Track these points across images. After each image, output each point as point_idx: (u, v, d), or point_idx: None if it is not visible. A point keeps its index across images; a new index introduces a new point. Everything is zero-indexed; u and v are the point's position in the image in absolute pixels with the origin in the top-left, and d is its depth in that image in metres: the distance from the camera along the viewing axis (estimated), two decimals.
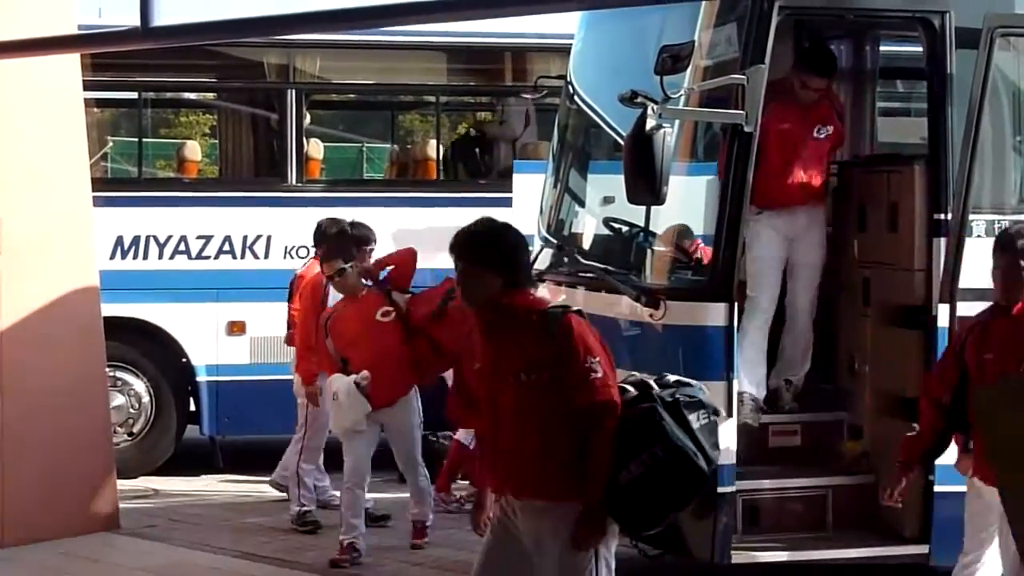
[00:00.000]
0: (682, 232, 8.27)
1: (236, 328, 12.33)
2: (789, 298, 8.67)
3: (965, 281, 7.84)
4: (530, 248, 6.02)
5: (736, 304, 7.82)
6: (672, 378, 6.09)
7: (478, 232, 5.90)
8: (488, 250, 5.81)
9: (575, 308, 5.90)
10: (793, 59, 8.82)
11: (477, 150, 14.07)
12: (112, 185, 13.21)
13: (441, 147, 13.69)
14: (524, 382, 5.72)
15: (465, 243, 5.87)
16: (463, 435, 11.10)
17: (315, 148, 13.32)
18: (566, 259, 9.24)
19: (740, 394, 8.01)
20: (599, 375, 5.69)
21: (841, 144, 8.96)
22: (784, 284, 8.66)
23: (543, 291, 9.41)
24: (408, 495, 10.04)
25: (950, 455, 6.89)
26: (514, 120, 13.83)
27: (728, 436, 7.72)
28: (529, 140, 13.74)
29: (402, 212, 12.33)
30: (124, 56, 11.39)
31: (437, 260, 11.80)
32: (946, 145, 8.08)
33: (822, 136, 8.65)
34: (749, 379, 8.21)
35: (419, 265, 11.85)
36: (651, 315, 7.90)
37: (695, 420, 5.83)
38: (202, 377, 12.37)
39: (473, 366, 5.98)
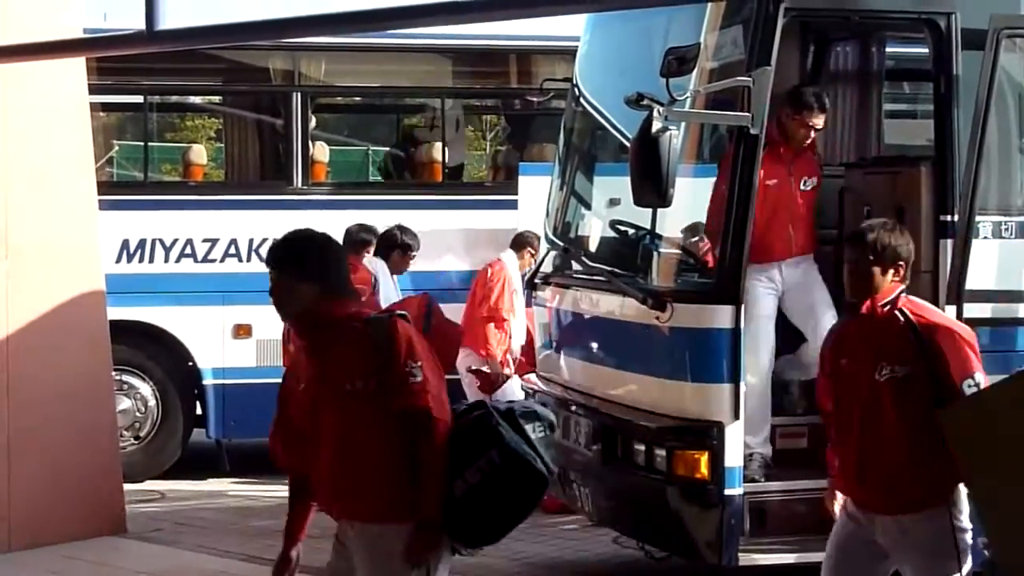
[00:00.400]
0: (697, 231, 8.26)
1: (242, 331, 12.33)
2: (808, 338, 8.45)
3: (972, 282, 7.85)
4: (344, 258, 5.86)
5: (743, 307, 7.80)
6: (507, 399, 5.95)
7: (290, 241, 5.72)
8: (300, 259, 5.60)
9: (400, 313, 5.71)
10: (787, 103, 8.49)
11: (411, 151, 14.09)
12: (118, 189, 13.25)
13: (446, 150, 13.69)
14: (350, 392, 5.47)
15: (277, 252, 5.68)
16: None
17: (320, 151, 13.34)
18: (572, 261, 9.24)
19: (749, 454, 7.97)
20: (418, 380, 5.46)
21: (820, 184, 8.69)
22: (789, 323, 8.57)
23: (548, 294, 9.45)
24: None
25: None
26: (447, 123, 13.82)
27: (735, 438, 7.73)
28: (458, 144, 13.77)
29: (407, 215, 12.32)
30: (129, 60, 11.39)
31: (443, 262, 11.91)
32: (952, 146, 8.06)
33: (808, 188, 8.48)
34: (755, 436, 8.08)
35: (424, 267, 11.92)
36: (658, 317, 7.89)
37: (532, 431, 5.64)
38: (208, 380, 12.38)
39: (298, 390, 5.69)
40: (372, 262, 10.87)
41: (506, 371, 11.37)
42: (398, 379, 5.45)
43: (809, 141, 8.46)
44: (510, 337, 11.47)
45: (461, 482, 5.50)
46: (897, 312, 6.00)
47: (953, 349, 5.92)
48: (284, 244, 5.71)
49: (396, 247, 11.13)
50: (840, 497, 6.35)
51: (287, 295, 5.59)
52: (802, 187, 8.43)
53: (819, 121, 8.43)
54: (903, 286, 6.07)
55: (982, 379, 5.89)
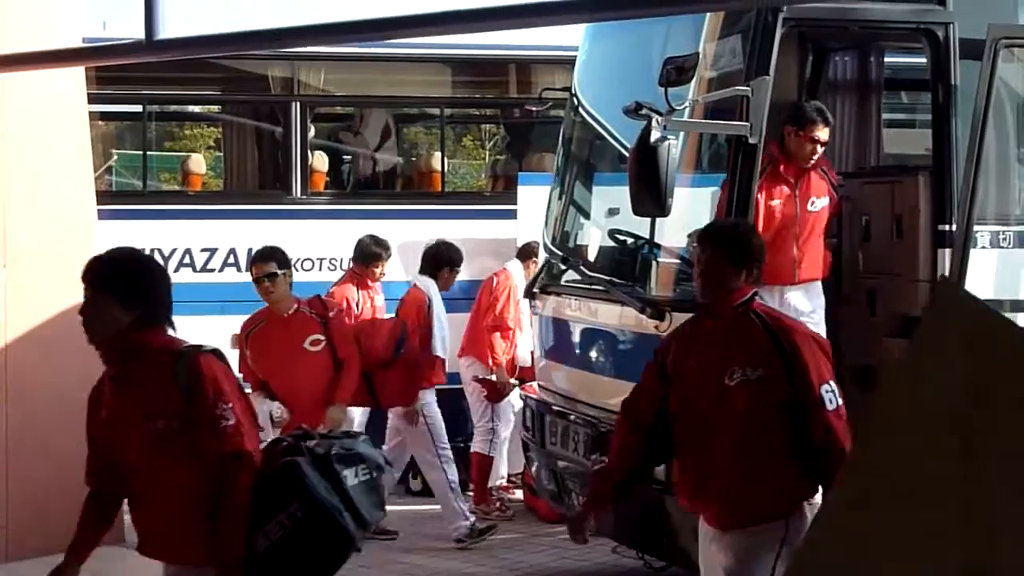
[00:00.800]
0: (680, 246, 8.25)
1: None
2: None
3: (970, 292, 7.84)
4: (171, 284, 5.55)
5: None
6: (342, 430, 5.57)
7: (112, 260, 5.34)
8: (119, 280, 5.24)
9: (210, 348, 5.35)
10: (790, 120, 8.32)
11: (341, 159, 14.11)
12: (117, 198, 13.23)
13: (445, 160, 13.70)
14: (152, 432, 5.12)
15: (95, 270, 5.31)
16: (480, 446, 11.21)
17: (319, 160, 13.35)
18: (571, 271, 9.24)
19: None
20: (230, 423, 5.07)
21: (837, 213, 8.54)
22: None
23: (547, 303, 9.44)
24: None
25: None
26: (370, 131, 13.80)
27: None
28: (389, 151, 13.70)
29: (407, 224, 12.34)
30: (129, 69, 11.41)
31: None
32: (951, 156, 8.08)
33: (816, 209, 8.27)
34: None
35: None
36: (656, 327, 7.90)
37: (351, 476, 5.22)
38: None
39: (100, 416, 5.44)
40: (423, 282, 10.75)
41: (512, 380, 11.38)
42: (208, 422, 5.10)
43: (816, 158, 8.27)
44: (515, 346, 11.48)
45: (263, 537, 5.11)
46: (752, 314, 5.78)
47: (811, 353, 5.68)
48: (104, 262, 5.33)
49: (446, 264, 10.94)
50: (591, 526, 6.09)
51: (100, 317, 5.24)
52: (809, 208, 8.25)
53: (824, 135, 8.22)
54: (756, 289, 5.92)
55: (836, 388, 5.68)
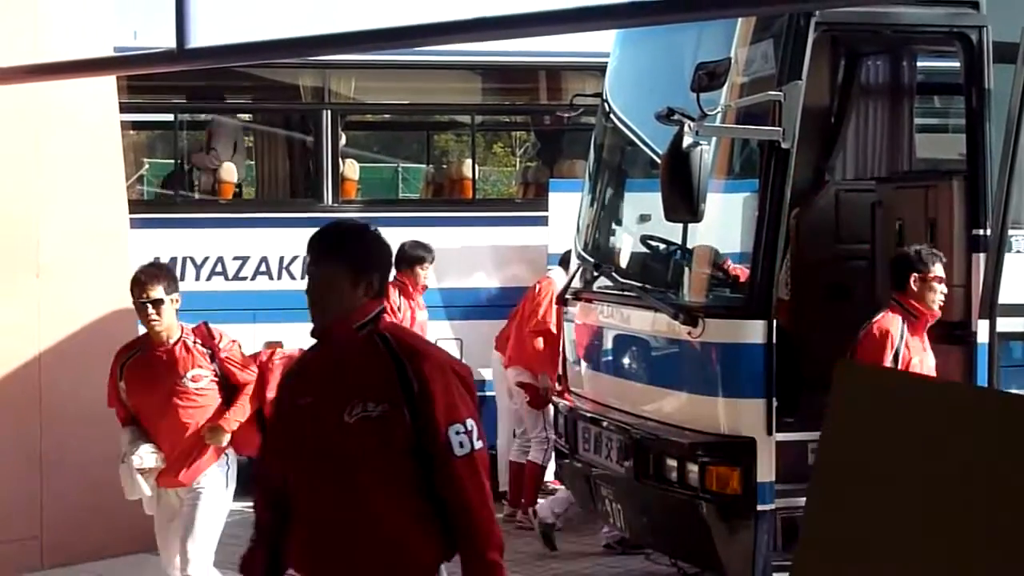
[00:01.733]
0: (713, 251, 8.23)
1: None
2: None
3: (1005, 296, 7.81)
4: None
5: (775, 322, 7.76)
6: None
7: None
8: None
9: None
10: (913, 268, 7.85)
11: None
12: (148, 207, 13.27)
13: (476, 167, 13.69)
14: None
15: None
16: (536, 455, 11.19)
17: (351, 169, 13.36)
18: (603, 277, 9.23)
19: None
20: None
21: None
22: None
23: (579, 309, 9.42)
24: None
25: None
26: (222, 145, 13.67)
27: (767, 453, 7.70)
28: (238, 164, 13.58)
29: (437, 232, 12.33)
30: (160, 78, 11.43)
31: (473, 279, 11.91)
32: (984, 160, 8.04)
33: (932, 363, 7.93)
34: None
35: (453, 285, 11.86)
36: (689, 333, 7.88)
37: None
38: None
39: None
40: (557, 273, 10.87)
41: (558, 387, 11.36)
42: None
43: (942, 299, 7.89)
44: (559, 352, 11.47)
45: None
46: (376, 337, 4.70)
47: (443, 385, 4.62)
48: None
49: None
50: None
51: None
52: (930, 361, 7.98)
53: (942, 271, 7.85)
54: (382, 306, 4.82)
55: (474, 427, 4.63)
